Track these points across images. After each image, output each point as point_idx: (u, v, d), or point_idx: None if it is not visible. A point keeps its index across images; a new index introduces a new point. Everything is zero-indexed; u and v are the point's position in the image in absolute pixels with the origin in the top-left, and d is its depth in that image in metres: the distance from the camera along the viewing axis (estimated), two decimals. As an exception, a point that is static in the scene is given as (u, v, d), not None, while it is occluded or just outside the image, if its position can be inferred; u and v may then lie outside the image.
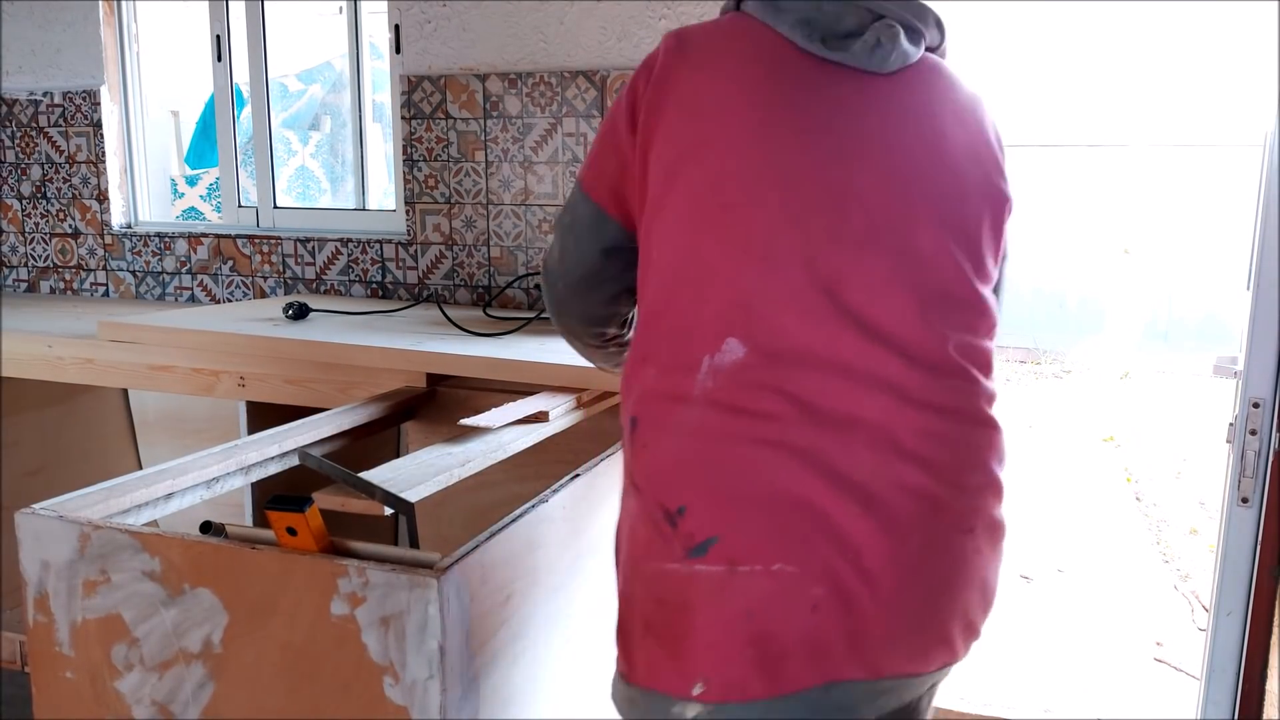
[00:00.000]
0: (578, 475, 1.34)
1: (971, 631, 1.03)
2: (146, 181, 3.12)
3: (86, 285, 3.11)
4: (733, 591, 0.92)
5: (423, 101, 2.60)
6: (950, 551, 0.98)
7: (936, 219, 1.01)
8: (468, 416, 1.56)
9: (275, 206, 2.96)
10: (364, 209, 3.05)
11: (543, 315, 2.22)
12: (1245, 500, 1.85)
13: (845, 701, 0.95)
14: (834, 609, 0.92)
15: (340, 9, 4.18)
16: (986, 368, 1.03)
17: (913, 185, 1.01)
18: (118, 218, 3.06)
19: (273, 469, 1.55)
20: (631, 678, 1.00)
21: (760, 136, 0.99)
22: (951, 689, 2.61)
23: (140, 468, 2.40)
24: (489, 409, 1.62)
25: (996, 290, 1.09)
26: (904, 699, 1.03)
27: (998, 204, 1.08)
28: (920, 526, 0.95)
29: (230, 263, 2.93)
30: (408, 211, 2.68)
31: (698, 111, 1.02)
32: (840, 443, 0.93)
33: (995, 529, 1.03)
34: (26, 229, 3.14)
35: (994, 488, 1.02)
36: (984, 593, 1.03)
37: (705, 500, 0.94)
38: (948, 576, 0.98)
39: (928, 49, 1.09)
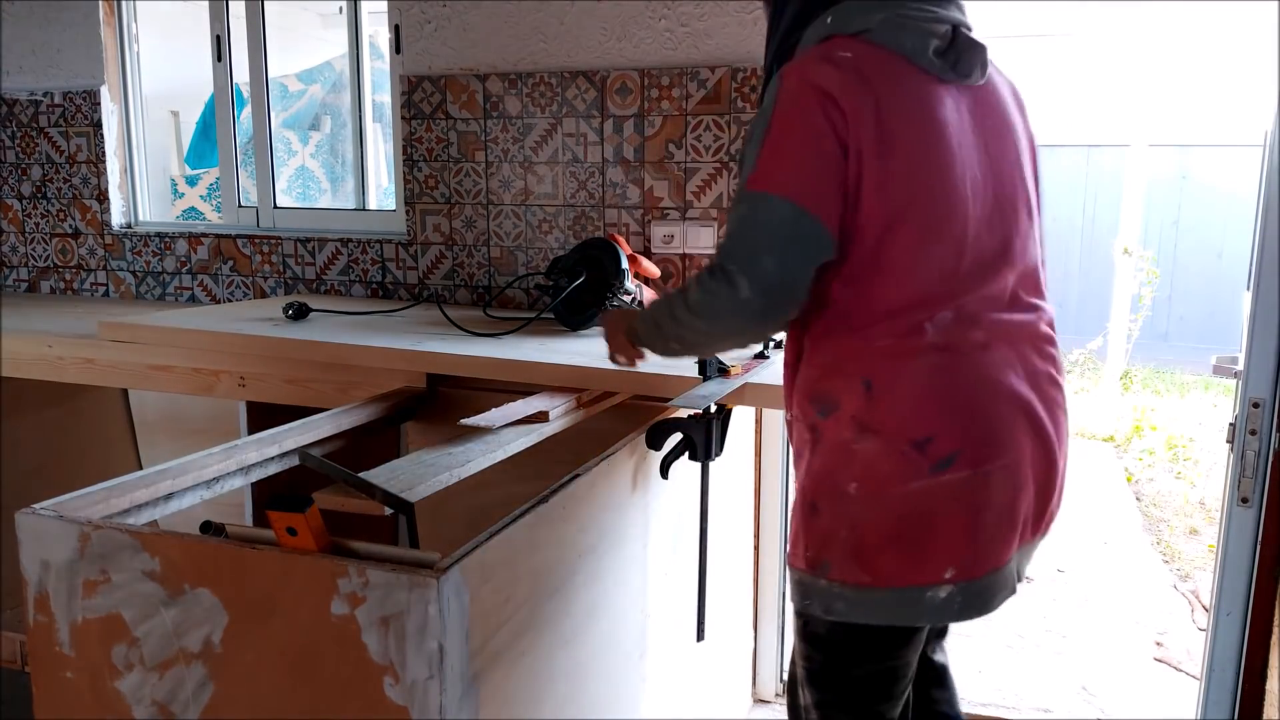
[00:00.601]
0: (578, 475, 1.34)
1: None
2: (146, 181, 3.12)
3: (86, 285, 3.11)
4: (971, 490, 1.22)
5: (423, 101, 2.60)
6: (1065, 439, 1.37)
7: (1027, 201, 1.35)
8: (468, 416, 1.56)
9: (275, 206, 2.96)
10: (364, 209, 3.05)
11: (543, 316, 2.22)
12: (1245, 500, 1.85)
13: (1023, 560, 1.35)
14: (1036, 489, 1.30)
15: (340, 9, 4.18)
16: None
17: (1015, 176, 1.34)
18: (118, 218, 3.06)
19: (273, 469, 1.55)
20: (879, 583, 1.24)
21: (952, 154, 1.26)
22: (951, 689, 2.61)
23: (140, 468, 2.40)
24: (489, 409, 1.62)
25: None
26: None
27: (1036, 164, 1.41)
28: (1063, 422, 1.35)
29: (230, 263, 2.93)
30: (408, 211, 2.68)
31: (907, 132, 1.24)
32: (1022, 353, 1.29)
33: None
34: (27, 229, 3.14)
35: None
36: None
37: (946, 426, 1.22)
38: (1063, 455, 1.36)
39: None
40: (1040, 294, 1.38)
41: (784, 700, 2.55)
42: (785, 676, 1.57)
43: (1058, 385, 1.35)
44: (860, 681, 1.35)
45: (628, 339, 1.48)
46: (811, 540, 1.29)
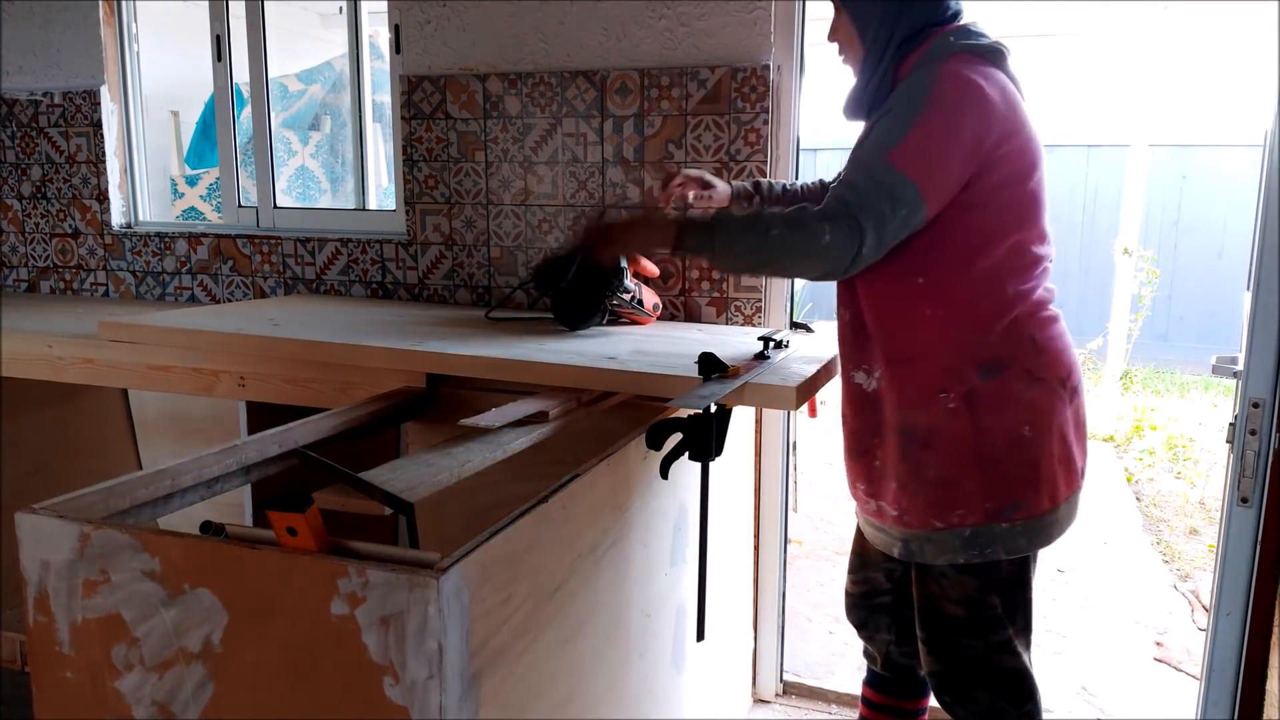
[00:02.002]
0: (578, 475, 1.34)
1: None
2: (146, 181, 3.12)
3: (86, 285, 3.11)
4: (1084, 409, 1.60)
5: (423, 102, 2.60)
6: None
7: None
8: (468, 416, 1.56)
9: (275, 206, 2.96)
10: (364, 209, 3.05)
11: (542, 317, 2.22)
12: (1245, 500, 1.85)
13: None
14: None
15: (340, 9, 4.18)
16: None
17: None
18: (118, 218, 3.06)
19: (273, 469, 1.55)
20: (1056, 504, 1.54)
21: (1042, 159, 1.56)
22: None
23: (140, 468, 2.40)
24: (489, 409, 1.62)
25: None
26: None
27: None
28: None
29: (230, 263, 2.93)
30: (408, 211, 2.68)
31: (1031, 136, 1.52)
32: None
33: None
34: (26, 229, 3.14)
35: None
36: None
37: (1072, 361, 1.56)
38: None
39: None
40: None
41: (785, 700, 2.56)
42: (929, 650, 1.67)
43: None
44: (1028, 602, 1.60)
45: (670, 243, 1.49)
46: (990, 492, 1.51)
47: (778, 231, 1.43)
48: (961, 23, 1.57)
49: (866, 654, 1.91)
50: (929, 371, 1.52)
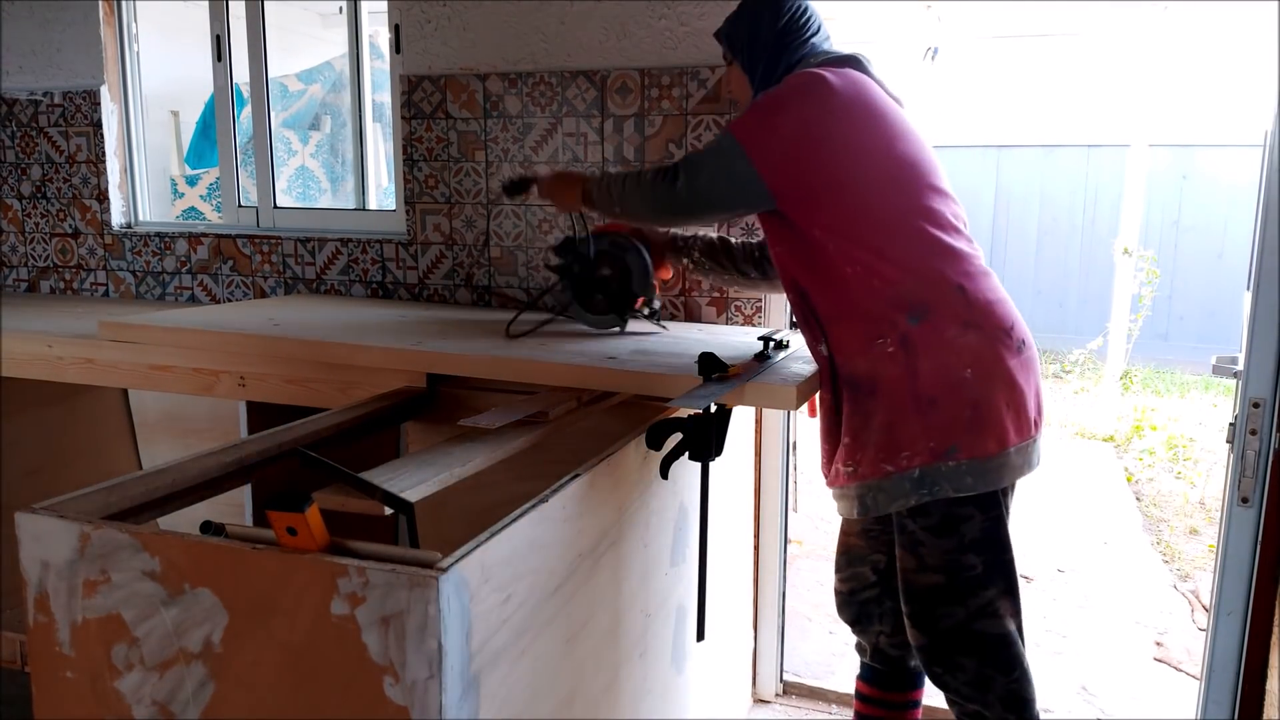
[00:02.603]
0: (578, 475, 1.34)
1: None
2: (146, 181, 3.13)
3: (86, 285, 3.11)
4: (1035, 364, 1.66)
5: (423, 101, 2.60)
6: None
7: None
8: (468, 416, 1.56)
9: (275, 206, 2.96)
10: (364, 209, 3.05)
11: (560, 316, 2.22)
12: (1245, 500, 1.85)
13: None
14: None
15: (340, 9, 4.18)
16: None
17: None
18: (118, 218, 3.06)
19: (273, 469, 1.54)
20: (1006, 444, 1.58)
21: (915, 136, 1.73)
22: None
23: (140, 468, 2.40)
24: (489, 409, 1.62)
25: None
26: None
27: None
28: None
29: (230, 262, 2.93)
30: (408, 211, 2.68)
31: (894, 115, 1.70)
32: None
33: None
34: (26, 229, 3.14)
35: None
36: None
37: (1014, 319, 1.64)
38: None
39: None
40: None
41: (785, 700, 2.56)
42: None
43: None
44: (1008, 563, 1.63)
45: (578, 197, 1.89)
46: (932, 432, 1.57)
47: (629, 181, 1.77)
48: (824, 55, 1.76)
49: (859, 647, 1.95)
50: (862, 322, 1.62)
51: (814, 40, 1.76)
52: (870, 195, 1.62)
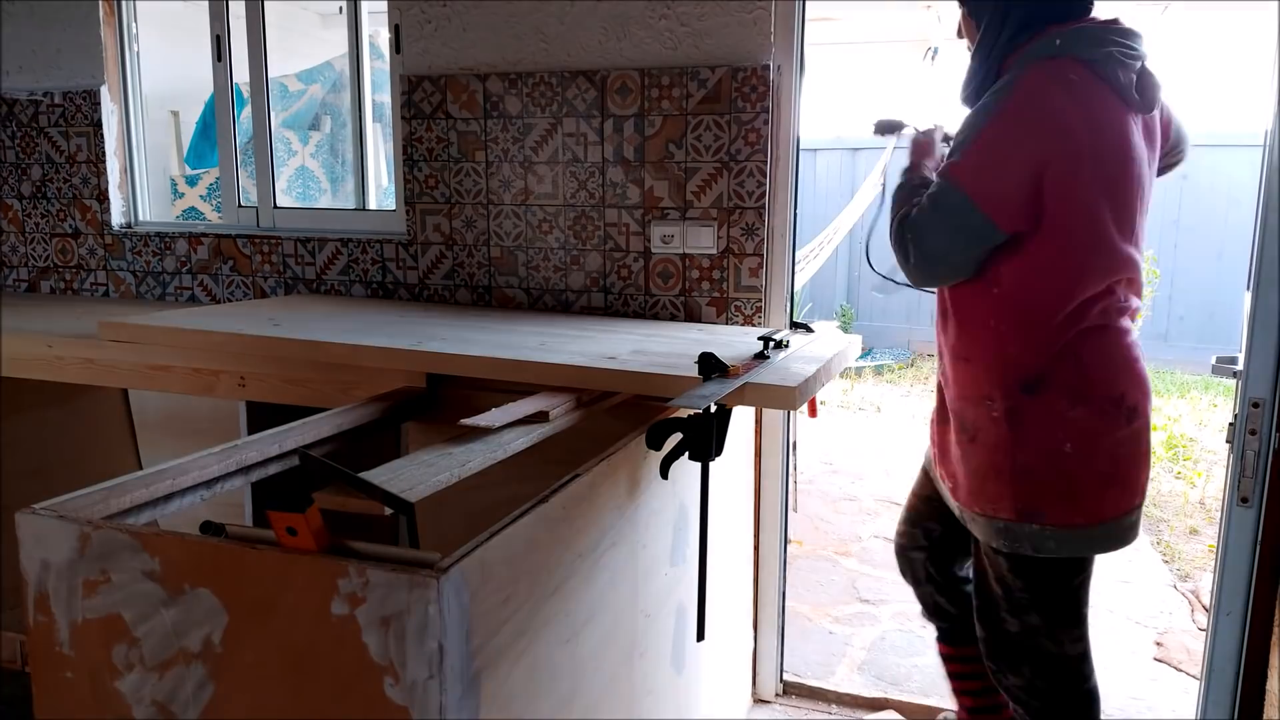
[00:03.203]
0: (578, 475, 1.34)
1: None
2: (146, 181, 3.13)
3: (86, 285, 3.11)
4: (1147, 431, 1.62)
5: (423, 101, 2.60)
6: None
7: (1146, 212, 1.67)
8: (468, 416, 1.56)
9: (275, 206, 2.96)
10: (364, 209, 3.05)
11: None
12: (1245, 500, 1.86)
13: None
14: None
15: (340, 9, 4.18)
16: None
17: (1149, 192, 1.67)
18: (118, 218, 3.06)
19: (273, 469, 1.55)
20: (1100, 518, 1.59)
21: (1133, 174, 1.63)
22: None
23: (140, 468, 2.40)
24: (489, 409, 1.62)
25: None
26: None
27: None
28: None
29: (230, 263, 2.93)
30: (408, 211, 2.68)
31: (1109, 156, 1.59)
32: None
33: None
34: (27, 229, 3.14)
35: None
36: None
37: (1128, 383, 1.59)
38: None
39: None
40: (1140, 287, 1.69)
41: (784, 700, 2.56)
42: (982, 618, 1.81)
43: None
44: (1072, 596, 1.67)
45: (915, 164, 1.80)
46: (1021, 495, 1.60)
47: (908, 212, 1.65)
48: (1084, 22, 1.58)
49: (922, 613, 2.07)
50: (979, 376, 1.64)
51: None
52: (1063, 264, 1.56)
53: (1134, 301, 1.63)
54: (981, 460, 1.65)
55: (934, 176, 1.67)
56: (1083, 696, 1.72)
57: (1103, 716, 2.51)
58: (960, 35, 1.75)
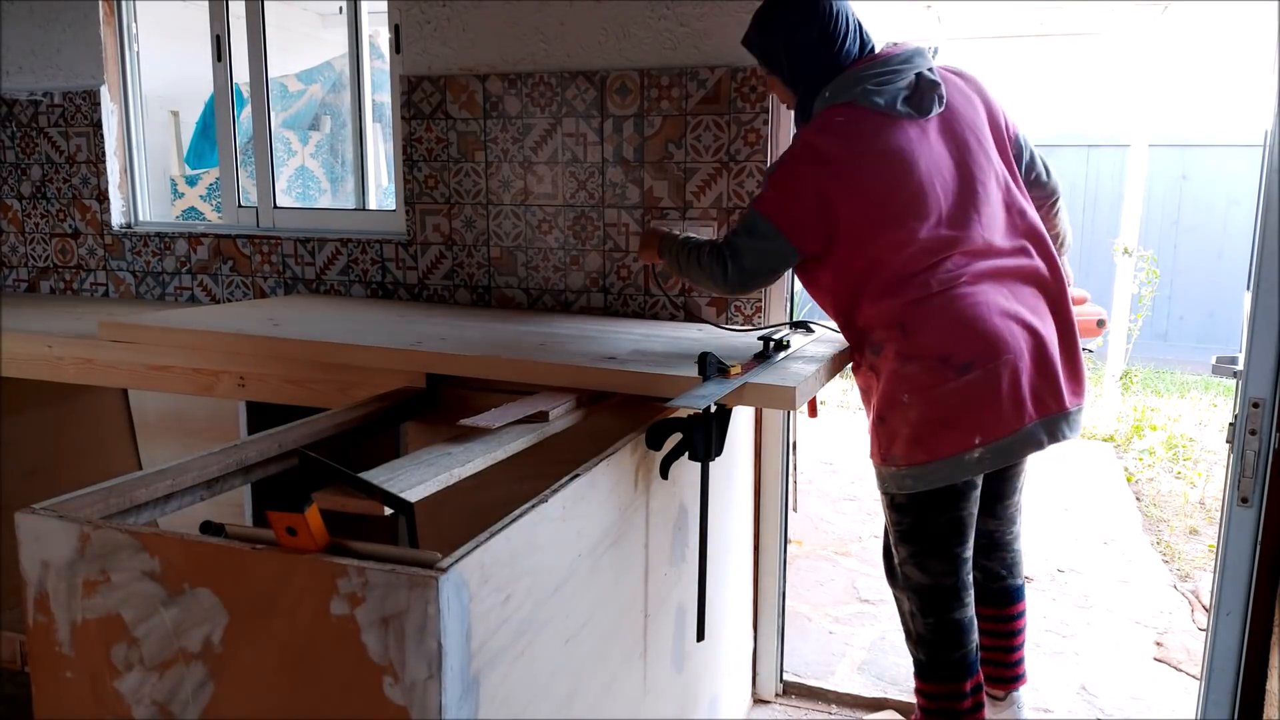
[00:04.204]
0: (578, 475, 1.34)
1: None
2: (146, 181, 3.13)
3: (86, 285, 3.11)
4: (984, 383, 1.79)
5: (423, 102, 2.60)
6: (1064, 331, 1.94)
7: (995, 175, 1.93)
8: (468, 416, 1.56)
9: (275, 206, 2.96)
10: (364, 209, 3.05)
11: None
12: (1245, 500, 1.86)
13: (1051, 429, 1.87)
14: (1037, 370, 1.84)
15: (340, 9, 4.18)
16: None
17: (979, 162, 1.90)
18: (118, 218, 3.06)
19: (273, 469, 1.55)
20: (934, 458, 1.81)
21: (910, 168, 1.85)
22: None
23: (140, 468, 2.40)
24: (489, 409, 1.62)
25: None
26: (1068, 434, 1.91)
27: (1005, 138, 1.99)
28: (1051, 320, 1.92)
29: (230, 263, 2.93)
30: (408, 211, 2.68)
31: (875, 166, 1.85)
32: (1006, 284, 1.87)
33: None
34: (26, 229, 3.14)
35: None
36: None
37: (958, 344, 1.79)
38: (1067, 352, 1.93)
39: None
40: (1019, 238, 1.92)
41: (785, 700, 2.56)
42: (883, 552, 2.13)
43: (1040, 297, 1.91)
44: (938, 530, 1.91)
45: (656, 251, 2.06)
46: (882, 442, 1.87)
47: (684, 256, 1.97)
48: (851, 66, 1.87)
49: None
50: (854, 348, 1.97)
51: (848, 45, 1.88)
52: (862, 246, 1.84)
53: (979, 265, 1.83)
54: (870, 413, 1.94)
55: (680, 234, 2.04)
56: (950, 624, 1.97)
57: (1103, 717, 2.51)
58: (776, 97, 2.06)
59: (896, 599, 2.08)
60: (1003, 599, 2.20)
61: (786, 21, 1.87)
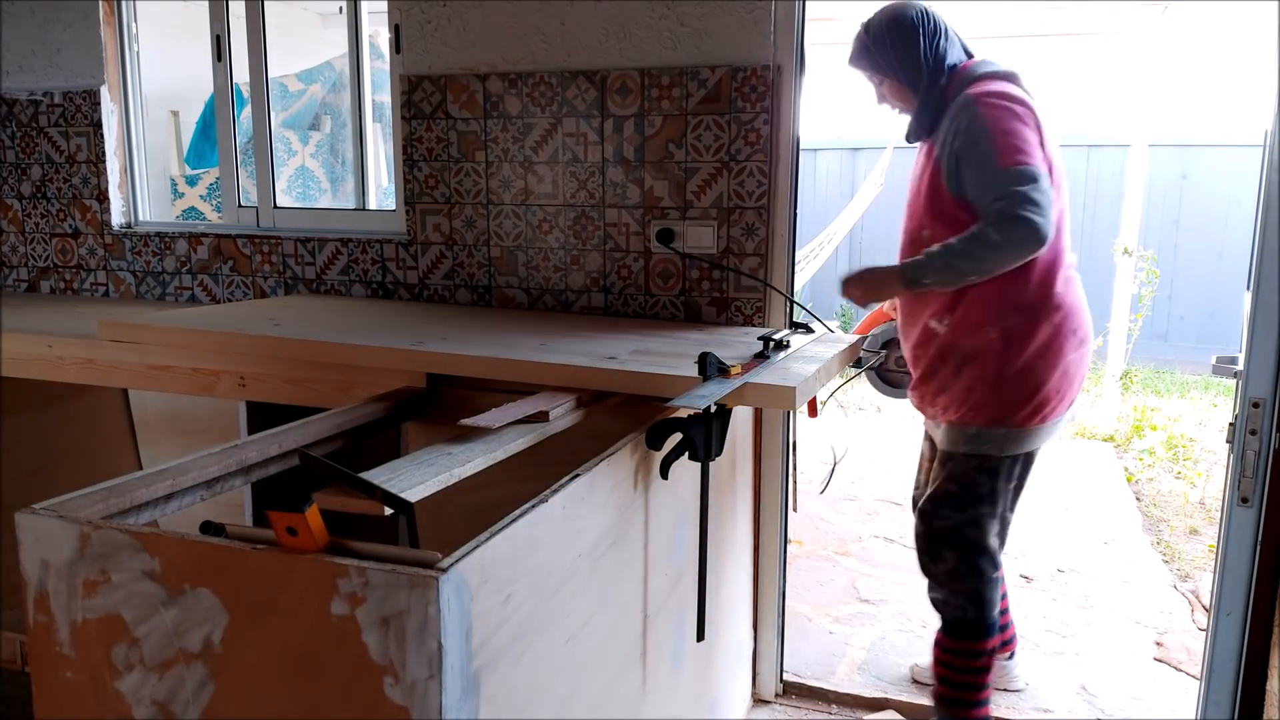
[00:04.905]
0: (578, 475, 1.34)
1: None
2: (146, 181, 3.13)
3: (86, 285, 3.11)
4: (1082, 360, 2.13)
5: (423, 101, 2.60)
6: None
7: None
8: (468, 416, 1.56)
9: (275, 206, 2.96)
10: (364, 209, 3.05)
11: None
12: (1245, 500, 1.86)
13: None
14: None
15: (340, 9, 4.18)
16: None
17: None
18: (118, 218, 3.06)
19: (273, 469, 1.55)
20: (1045, 421, 2.08)
21: None
22: (951, 689, 2.61)
23: (140, 468, 2.40)
24: (489, 409, 1.62)
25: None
26: None
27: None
28: None
29: (230, 263, 2.93)
30: (408, 211, 2.68)
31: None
32: None
33: None
34: (27, 229, 3.14)
35: None
36: None
37: (1082, 320, 2.12)
38: None
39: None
40: None
41: (785, 700, 2.56)
42: (921, 512, 2.24)
43: None
44: (1010, 491, 2.17)
45: (901, 283, 2.06)
46: (993, 404, 2.06)
47: (960, 257, 1.97)
48: (975, 59, 2.15)
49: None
50: (981, 313, 2.05)
51: (952, 41, 2.14)
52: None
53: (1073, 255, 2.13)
54: (973, 377, 2.07)
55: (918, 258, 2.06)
56: (995, 583, 2.18)
57: (1103, 717, 2.51)
58: (886, 102, 2.23)
59: (941, 562, 2.18)
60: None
61: (913, 33, 2.11)
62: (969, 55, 2.16)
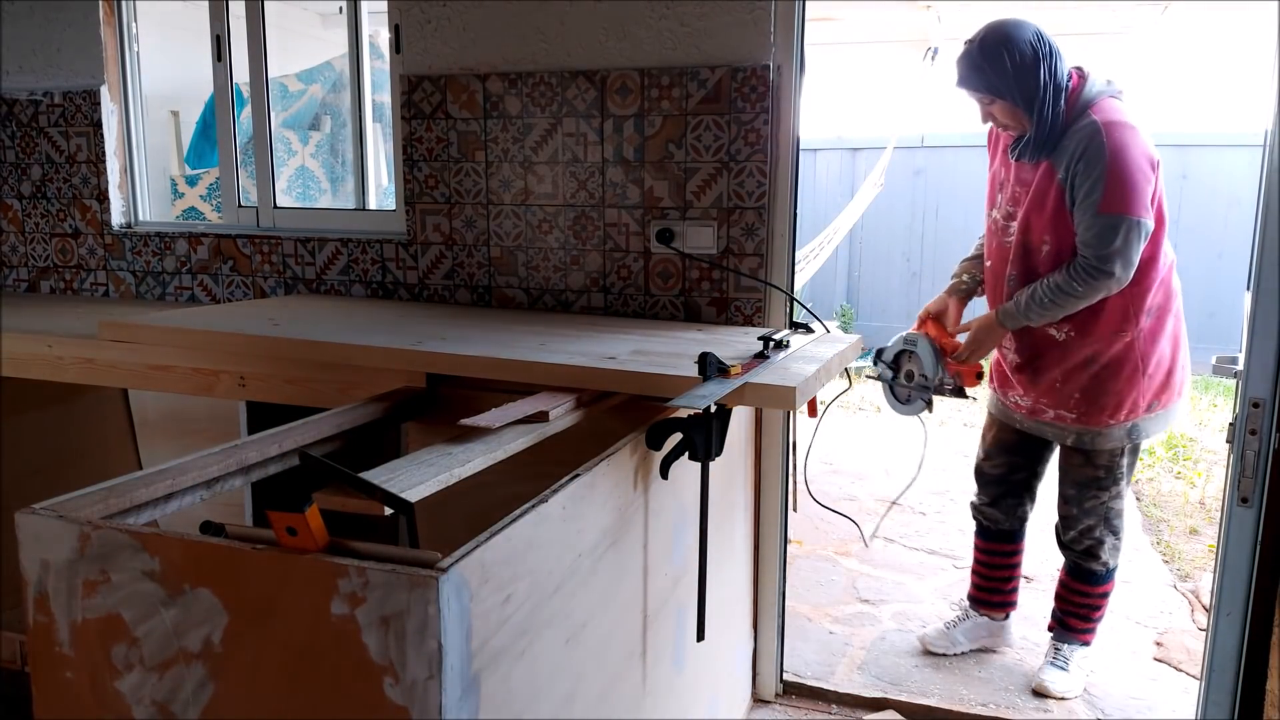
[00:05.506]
0: (578, 475, 1.34)
1: None
2: (146, 181, 3.13)
3: (86, 285, 3.11)
4: (1186, 362, 2.51)
5: (423, 101, 2.60)
6: None
7: None
8: (468, 416, 1.56)
9: (275, 206, 2.96)
10: (364, 209, 3.05)
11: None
12: (1245, 500, 1.86)
13: None
14: None
15: (340, 9, 4.18)
16: None
17: None
18: (118, 218, 3.06)
19: (273, 469, 1.55)
20: (1181, 393, 2.45)
21: None
22: (951, 688, 2.61)
23: (140, 468, 2.40)
24: (489, 409, 1.62)
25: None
26: None
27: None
28: None
29: (230, 262, 2.93)
30: (408, 211, 2.68)
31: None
32: None
33: None
34: (26, 229, 3.14)
35: None
36: None
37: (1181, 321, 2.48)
38: None
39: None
40: None
41: (785, 700, 2.56)
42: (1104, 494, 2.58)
43: None
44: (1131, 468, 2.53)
45: (1000, 329, 2.42)
46: (1147, 398, 2.36)
47: (1046, 305, 2.28)
48: (1083, 76, 2.29)
49: (984, 516, 2.73)
50: (1113, 320, 2.31)
51: (1062, 60, 2.25)
52: (1159, 236, 2.31)
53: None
54: (1125, 380, 2.33)
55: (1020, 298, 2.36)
56: (1119, 536, 2.57)
57: (1103, 717, 2.51)
58: (1001, 124, 2.33)
59: (1089, 533, 2.52)
60: (1015, 537, 2.77)
61: (1032, 56, 2.20)
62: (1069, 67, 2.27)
